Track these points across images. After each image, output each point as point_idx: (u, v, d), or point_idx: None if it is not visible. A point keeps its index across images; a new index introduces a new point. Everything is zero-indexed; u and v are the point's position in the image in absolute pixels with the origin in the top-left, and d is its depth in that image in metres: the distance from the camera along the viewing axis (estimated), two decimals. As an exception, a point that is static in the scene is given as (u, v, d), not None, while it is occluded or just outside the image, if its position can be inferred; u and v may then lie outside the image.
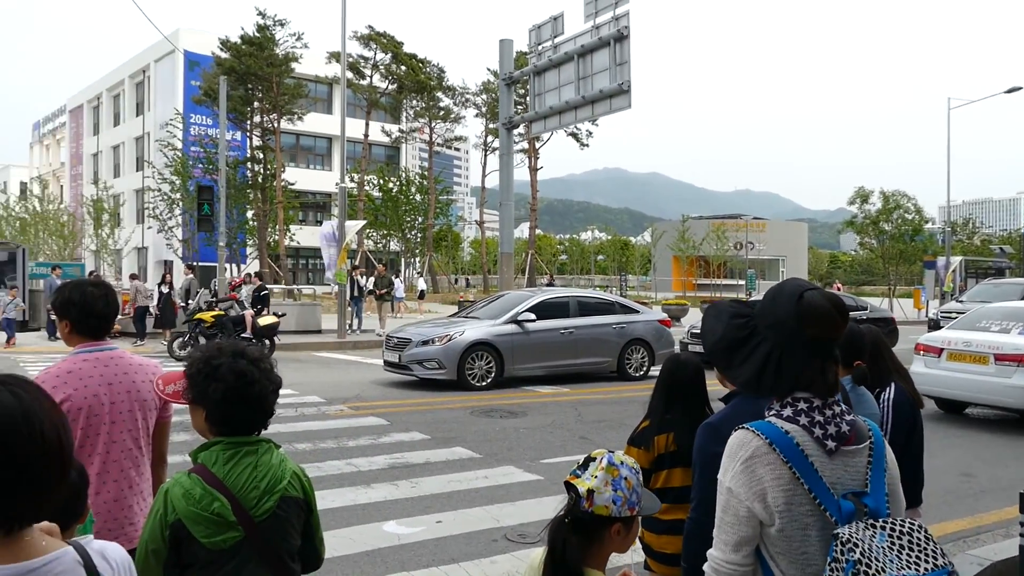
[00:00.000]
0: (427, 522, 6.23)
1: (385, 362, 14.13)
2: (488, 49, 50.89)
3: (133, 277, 22.04)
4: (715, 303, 2.23)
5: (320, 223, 37.79)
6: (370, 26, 44.23)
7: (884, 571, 1.73)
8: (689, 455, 3.09)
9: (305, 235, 44.24)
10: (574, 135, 46.75)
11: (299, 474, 2.40)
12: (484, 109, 48.98)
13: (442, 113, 49.10)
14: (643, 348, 14.90)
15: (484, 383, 13.09)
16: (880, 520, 1.83)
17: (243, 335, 16.57)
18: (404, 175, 49.52)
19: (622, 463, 2.06)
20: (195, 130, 40.96)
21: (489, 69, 47.60)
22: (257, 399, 2.30)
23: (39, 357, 17.02)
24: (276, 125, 39.97)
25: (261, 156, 40.57)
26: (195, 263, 27.63)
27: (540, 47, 20.39)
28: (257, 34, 37.41)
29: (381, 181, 46.62)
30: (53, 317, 20.14)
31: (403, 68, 44.87)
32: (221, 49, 37.39)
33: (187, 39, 42.80)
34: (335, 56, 40.69)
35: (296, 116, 40.34)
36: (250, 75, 36.69)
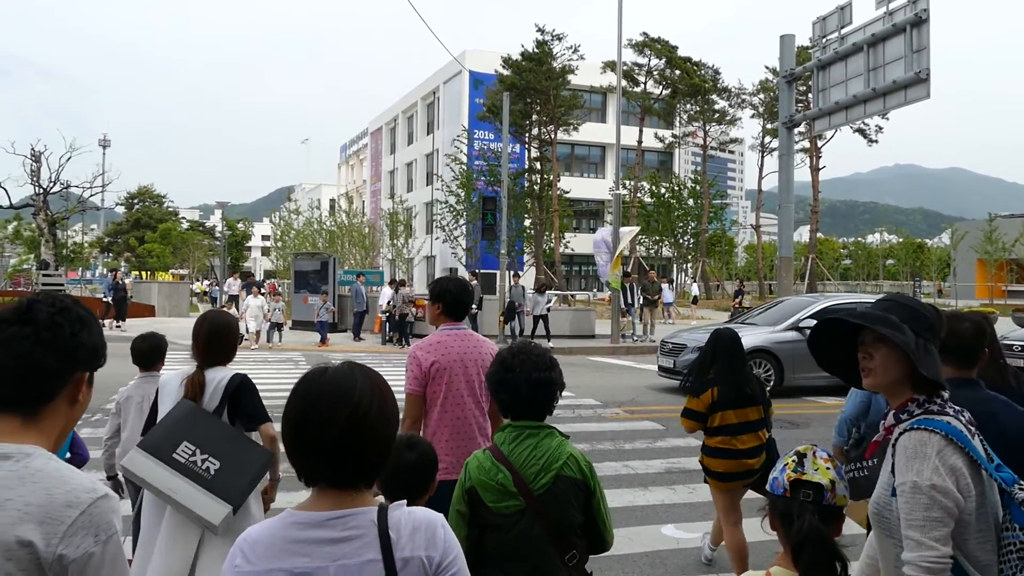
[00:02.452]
0: (706, 528, 6.14)
1: (659, 367, 14.10)
2: (765, 47, 49.20)
3: (402, 284, 22.81)
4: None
5: (593, 230, 38.57)
6: (644, 33, 44.50)
7: None
8: (730, 401, 4.85)
9: (579, 242, 45.34)
10: (861, 131, 43.69)
11: (579, 458, 2.67)
12: (761, 109, 47.29)
13: (717, 115, 48.06)
14: (944, 360, 13.56)
15: (763, 392, 12.62)
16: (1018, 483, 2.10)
17: None
18: (676, 180, 49.16)
19: (831, 455, 2.15)
20: (479, 145, 43.54)
21: (767, 67, 45.94)
22: (513, 387, 2.66)
23: (347, 356, 18.98)
24: (553, 136, 41.43)
25: (539, 167, 42.24)
26: (478, 270, 29.38)
27: (825, 40, 19.29)
28: (536, 50, 39.05)
29: (653, 187, 46.65)
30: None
31: (677, 72, 44.56)
32: (503, 67, 39.48)
33: (472, 60, 45.67)
34: (610, 66, 41.37)
35: (572, 127, 41.53)
36: (529, 89, 38.38)
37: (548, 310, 21.59)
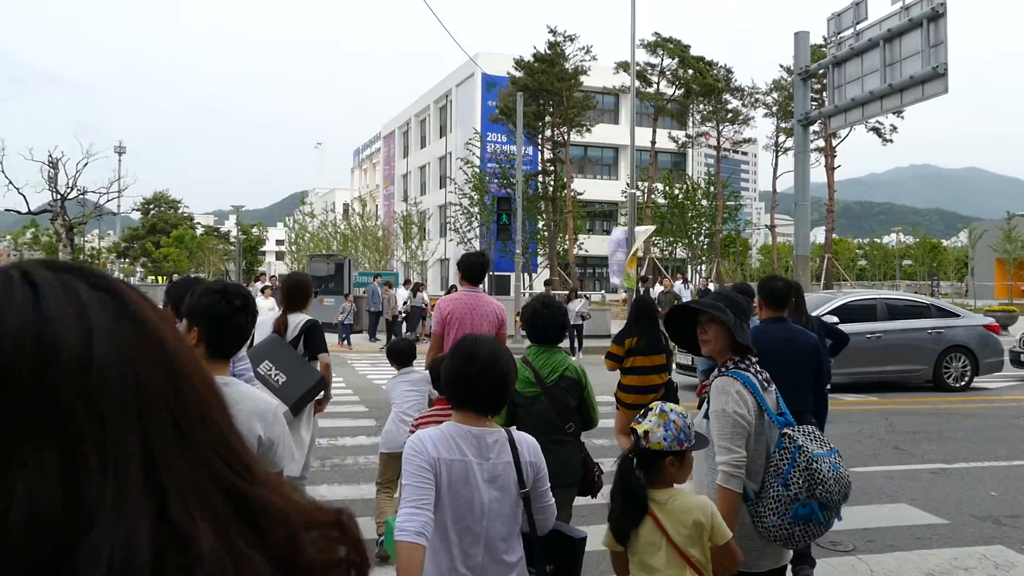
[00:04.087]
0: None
1: (677, 365, 14.01)
2: (778, 46, 48.97)
3: (405, 283, 23.23)
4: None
5: (608, 232, 38.49)
6: (656, 33, 44.42)
7: (817, 454, 3.10)
8: (643, 349, 6.66)
9: (592, 244, 45.26)
10: (876, 130, 43.44)
11: (576, 368, 4.32)
12: (775, 108, 47.07)
13: (730, 115, 47.86)
14: (964, 356, 13.40)
15: (782, 389, 12.53)
16: (793, 426, 3.22)
17: None
18: (690, 181, 48.99)
19: (671, 410, 2.82)
20: (491, 147, 43.52)
21: (781, 66, 45.74)
22: (542, 327, 4.34)
23: (363, 356, 18.98)
24: (566, 138, 41.38)
25: (552, 168, 42.17)
26: (490, 273, 29.26)
27: (839, 36, 19.18)
28: (548, 51, 39.02)
29: (667, 188, 46.54)
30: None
31: (690, 72, 44.42)
32: (515, 68, 39.47)
33: (484, 62, 45.70)
34: (622, 66, 41.35)
35: (585, 128, 41.44)
36: (542, 91, 38.35)
37: (583, 318, 19.18)
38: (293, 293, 5.26)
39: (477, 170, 41.26)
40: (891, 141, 44.29)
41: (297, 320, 5.12)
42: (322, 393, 5.11)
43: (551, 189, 42.56)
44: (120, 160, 63.05)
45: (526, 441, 2.60)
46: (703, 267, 49.60)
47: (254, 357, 4.77)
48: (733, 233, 58.37)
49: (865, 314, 13.29)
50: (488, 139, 45.27)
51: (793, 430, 3.15)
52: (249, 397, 2.61)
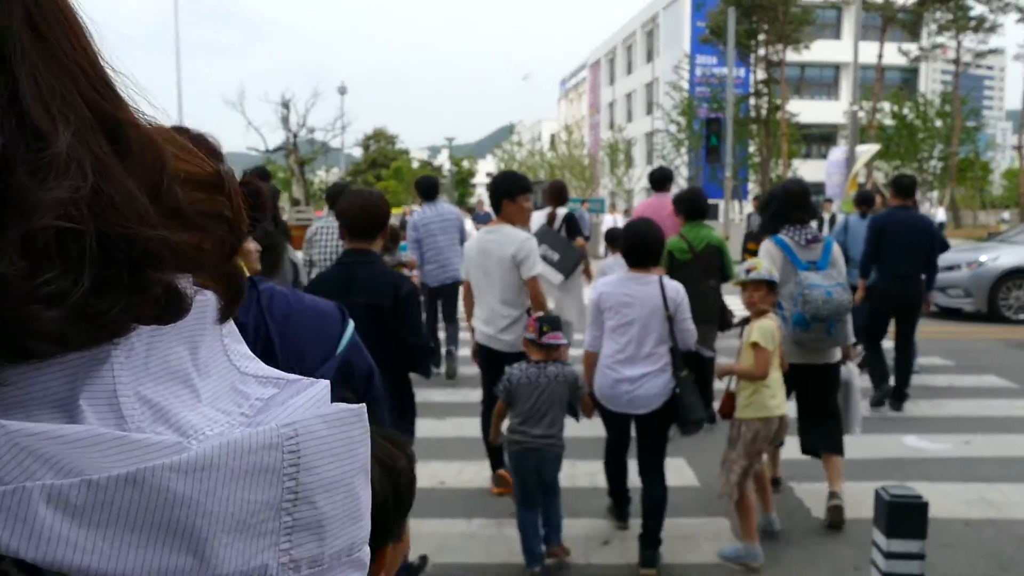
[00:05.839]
0: (952, 440, 5.80)
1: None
2: (1035, -60, 43.18)
3: (612, 209, 23.78)
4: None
5: (825, 157, 36.27)
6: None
7: (813, 284, 4.41)
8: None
9: (808, 169, 42.76)
10: None
11: (718, 238, 6.04)
12: (1029, 12, 41.71)
13: (973, 23, 42.99)
14: None
15: (1022, 316, 11.47)
16: (820, 271, 4.54)
17: None
18: (923, 98, 44.83)
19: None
20: (700, 71, 42.00)
21: (1037, -37, 40.31)
22: (696, 209, 6.07)
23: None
24: (781, 57, 39.13)
25: (765, 90, 40.12)
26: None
27: (1111, -82, 16.64)
28: (764, -36, 36.80)
29: (895, 107, 42.85)
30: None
31: (928, -25, 40.25)
32: (728, -16, 37.60)
33: (694, -19, 43.89)
34: (846, -25, 38.26)
35: (802, 45, 38.96)
36: (755, 6, 36.38)
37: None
38: (557, 194, 7.30)
39: (686, 95, 40.05)
40: None
41: (561, 212, 7.13)
42: (583, 264, 7.11)
43: (764, 112, 40.57)
44: (343, 99, 66.92)
45: (672, 284, 3.99)
46: (935, 193, 45.65)
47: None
48: (971, 156, 53.01)
49: None
50: (697, 62, 43.70)
51: (808, 272, 4.50)
52: (508, 236, 4.48)
